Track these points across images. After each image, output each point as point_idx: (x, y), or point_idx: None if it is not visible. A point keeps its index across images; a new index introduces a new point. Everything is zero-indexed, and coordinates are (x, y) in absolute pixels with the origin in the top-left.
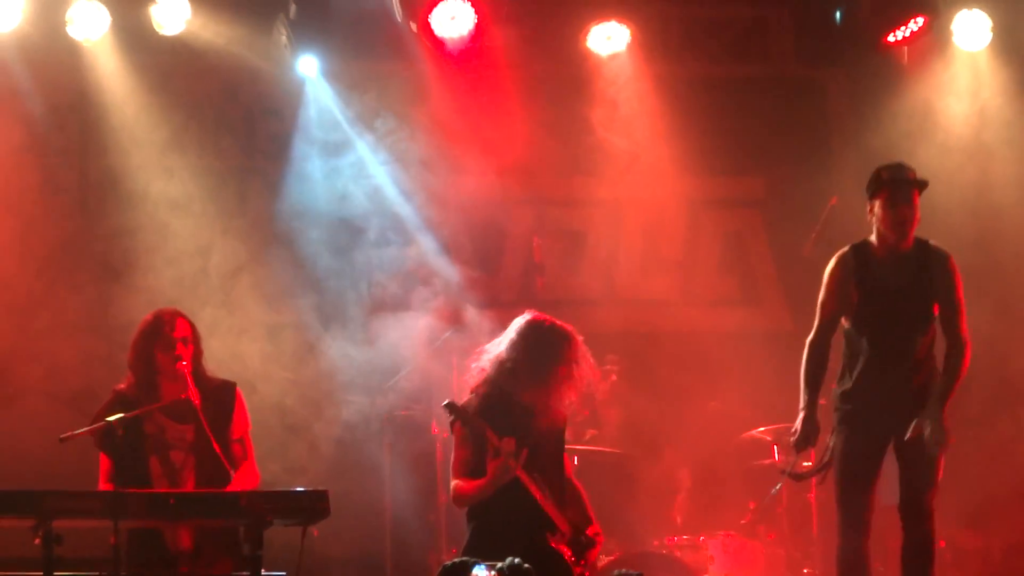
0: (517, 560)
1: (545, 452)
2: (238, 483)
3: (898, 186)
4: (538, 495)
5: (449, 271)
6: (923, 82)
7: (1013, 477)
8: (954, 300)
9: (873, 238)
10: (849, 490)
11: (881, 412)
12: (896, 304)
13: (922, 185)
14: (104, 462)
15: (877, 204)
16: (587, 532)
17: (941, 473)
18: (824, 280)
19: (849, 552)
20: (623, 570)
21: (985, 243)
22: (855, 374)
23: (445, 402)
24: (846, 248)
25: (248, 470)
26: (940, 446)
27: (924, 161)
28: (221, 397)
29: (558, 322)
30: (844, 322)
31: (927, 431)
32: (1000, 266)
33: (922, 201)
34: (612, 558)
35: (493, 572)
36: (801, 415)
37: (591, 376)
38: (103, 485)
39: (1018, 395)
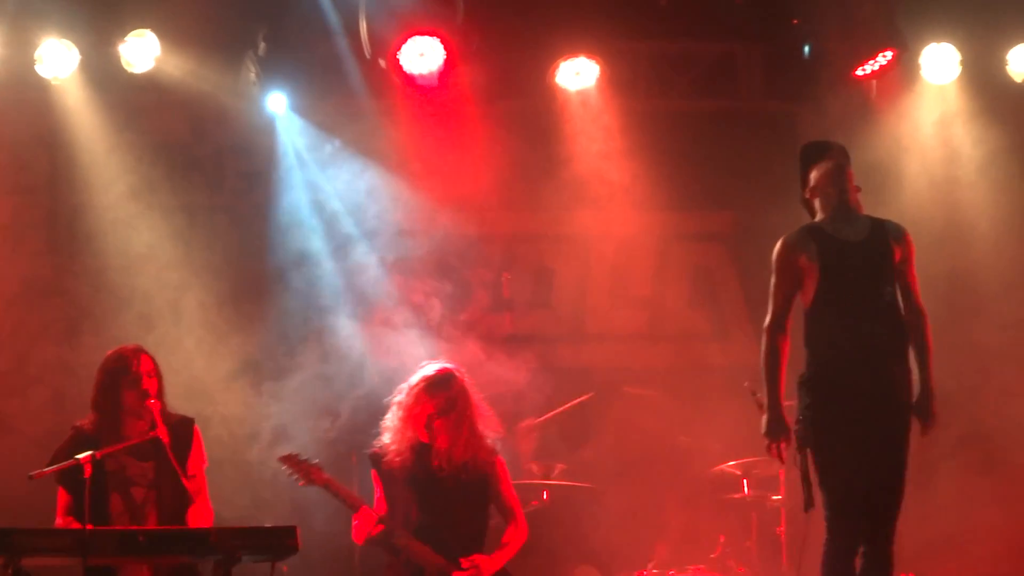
0: None
1: (443, 493)
2: (193, 519)
3: (828, 148)
4: (400, 542)
5: (417, 307)
6: (892, 115)
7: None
8: (911, 267)
9: (819, 215)
10: (844, 482)
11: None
12: (857, 257)
13: (846, 154)
14: (62, 497)
15: (814, 173)
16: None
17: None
18: (773, 265)
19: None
20: None
21: (955, 276)
22: (820, 358)
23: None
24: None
25: (203, 506)
26: (930, 427)
27: (894, 194)
28: (180, 433)
29: (435, 367)
30: (805, 302)
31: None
32: (970, 300)
33: None
34: None
35: None
36: (766, 416)
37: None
38: (60, 519)
39: (986, 433)
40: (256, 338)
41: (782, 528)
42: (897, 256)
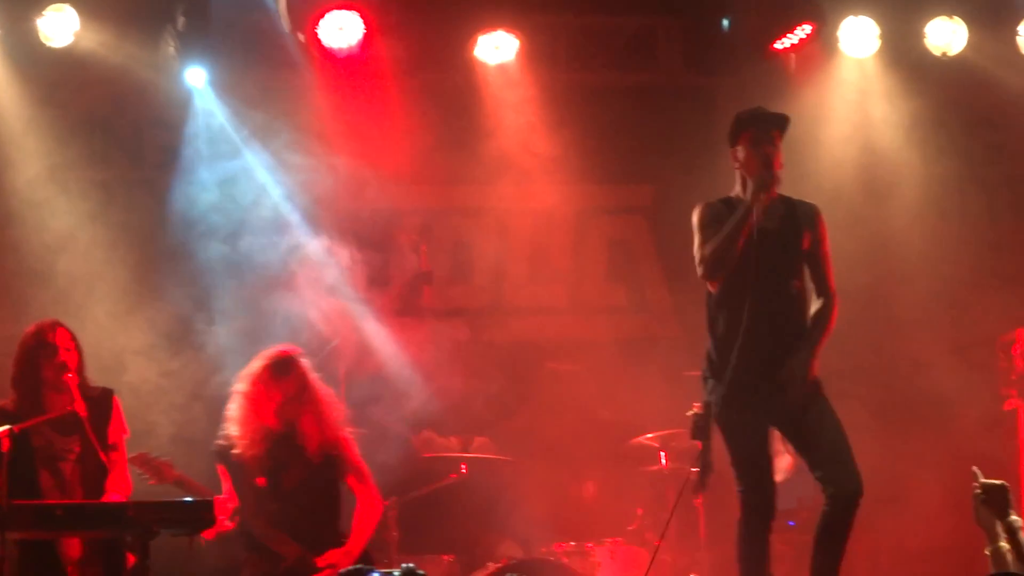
0: (412, 565)
1: (296, 479)
2: (111, 489)
3: (759, 124)
4: (257, 531)
5: (336, 281)
6: (810, 89)
7: (891, 482)
8: (823, 250)
9: (738, 188)
10: (751, 467)
11: (765, 375)
12: (767, 246)
13: (783, 123)
14: None
15: (740, 148)
16: (316, 559)
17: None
18: (696, 224)
19: (751, 535)
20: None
21: (872, 249)
22: (726, 341)
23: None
24: (710, 199)
25: (120, 476)
26: (802, 385)
27: (812, 167)
28: (99, 405)
29: (273, 352)
30: (711, 286)
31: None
32: (887, 270)
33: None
34: (500, 565)
35: None
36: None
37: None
38: None
39: (901, 402)
40: (174, 309)
41: (700, 500)
42: (807, 244)
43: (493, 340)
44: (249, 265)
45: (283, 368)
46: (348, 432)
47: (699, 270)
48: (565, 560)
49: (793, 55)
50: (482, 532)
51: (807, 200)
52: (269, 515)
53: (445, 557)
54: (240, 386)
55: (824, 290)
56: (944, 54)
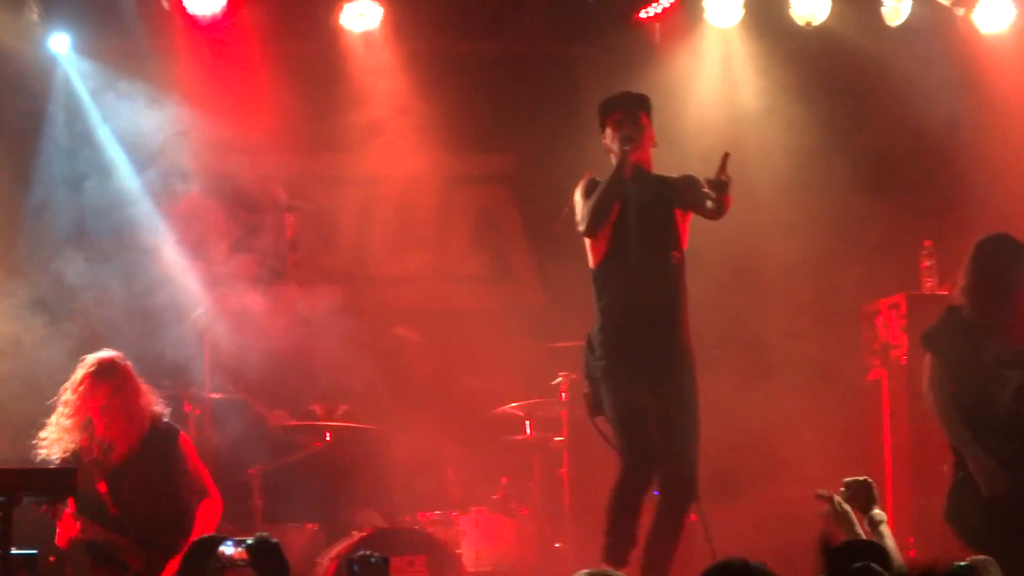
0: (265, 534)
1: (132, 483)
2: None
3: (621, 104)
4: (100, 538)
5: (200, 249)
6: (675, 58)
7: (760, 452)
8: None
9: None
10: (630, 436)
11: (641, 343)
12: (644, 219)
13: (645, 103)
14: None
15: (608, 132)
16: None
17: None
18: (577, 197)
19: (626, 504)
20: (365, 552)
21: (738, 215)
22: (607, 312)
23: None
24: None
25: None
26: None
27: (677, 137)
28: None
29: (96, 359)
30: (592, 261)
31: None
32: (752, 240)
33: (678, 174)
34: (364, 534)
35: (241, 547)
36: None
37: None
38: None
39: (768, 372)
40: (39, 280)
41: (564, 470)
42: (679, 205)
43: (358, 308)
44: (109, 233)
45: (106, 374)
46: (183, 432)
47: (580, 228)
48: (430, 529)
49: (658, 24)
50: (346, 501)
51: (681, 174)
52: (112, 522)
53: (309, 526)
54: (65, 395)
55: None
56: (808, 24)
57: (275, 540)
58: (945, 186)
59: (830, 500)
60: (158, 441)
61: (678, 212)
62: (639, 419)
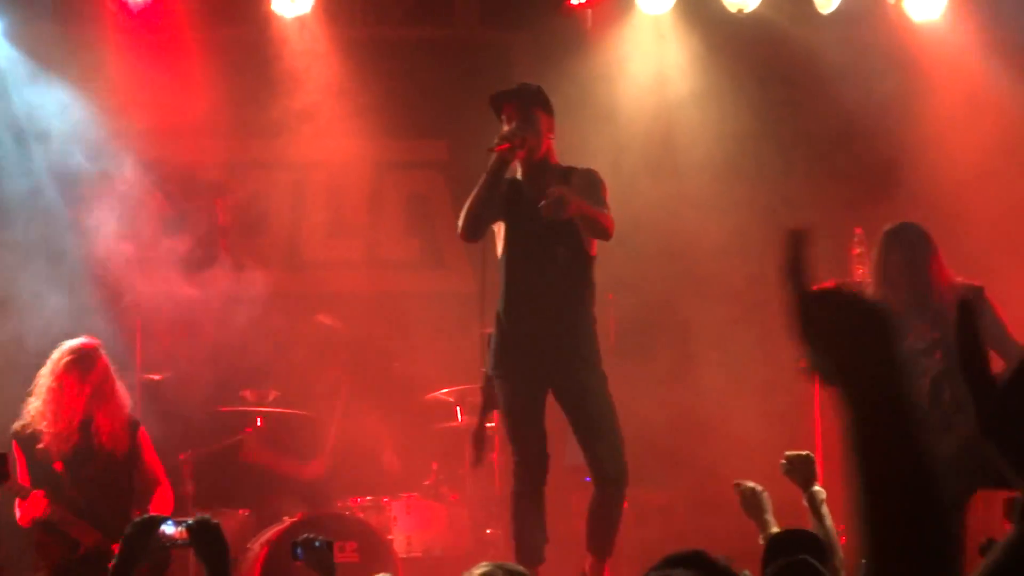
0: (207, 516)
1: (95, 469)
2: None
3: (501, 100)
4: (56, 517)
5: (131, 235)
6: (607, 46)
7: (693, 438)
8: (598, 198)
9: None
10: (517, 434)
11: (531, 344)
12: (537, 216)
13: (536, 97)
14: None
15: (504, 124)
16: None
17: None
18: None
19: (521, 502)
20: (310, 536)
21: (667, 205)
22: (501, 308)
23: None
24: None
25: None
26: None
27: (608, 124)
28: None
29: (78, 345)
30: (499, 252)
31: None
32: (682, 227)
33: (609, 164)
34: (295, 519)
35: (181, 527)
36: None
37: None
38: None
39: (700, 358)
40: None
41: (496, 455)
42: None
43: (290, 293)
44: (37, 217)
45: (87, 361)
46: (142, 426)
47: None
48: (360, 515)
49: (589, 10)
50: (277, 486)
51: (586, 167)
52: (67, 501)
53: (240, 511)
54: (44, 377)
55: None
56: (740, 11)
57: (216, 521)
58: (877, 173)
59: (742, 491)
60: (126, 431)
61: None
62: (520, 415)
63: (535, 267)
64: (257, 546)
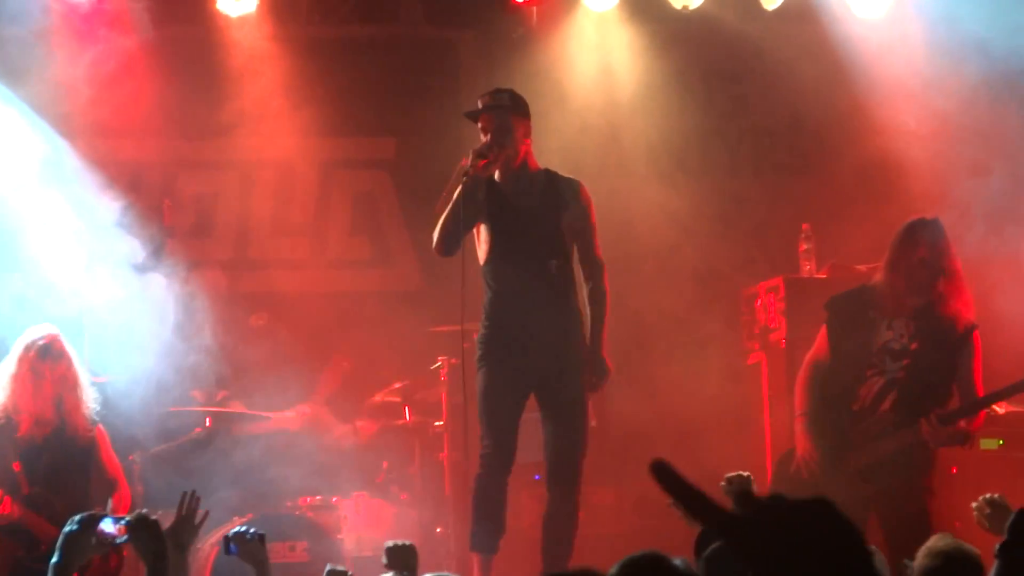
0: (145, 511)
1: (52, 463)
2: None
3: (483, 110)
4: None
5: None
6: (553, 43)
7: (640, 437)
8: (588, 224)
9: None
10: (493, 423)
11: (520, 346)
12: (524, 224)
13: (501, 106)
14: None
15: (481, 134)
16: None
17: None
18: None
19: (486, 484)
20: (241, 529)
21: (615, 202)
22: (489, 310)
23: None
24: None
25: None
26: (601, 379)
27: (556, 120)
28: None
29: (42, 335)
30: (481, 257)
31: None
32: (630, 224)
33: (555, 161)
34: (244, 519)
35: (121, 524)
36: None
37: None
38: None
39: (647, 356)
40: None
41: (445, 454)
42: (565, 220)
43: (236, 293)
44: None
45: (51, 351)
46: (100, 425)
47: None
48: (310, 514)
49: (535, 8)
50: (226, 486)
51: (571, 176)
52: (24, 498)
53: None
54: (7, 368)
55: (592, 260)
56: (685, 7)
57: (154, 518)
58: (823, 169)
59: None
60: (83, 427)
61: (564, 215)
62: (498, 412)
63: (526, 276)
64: (207, 546)
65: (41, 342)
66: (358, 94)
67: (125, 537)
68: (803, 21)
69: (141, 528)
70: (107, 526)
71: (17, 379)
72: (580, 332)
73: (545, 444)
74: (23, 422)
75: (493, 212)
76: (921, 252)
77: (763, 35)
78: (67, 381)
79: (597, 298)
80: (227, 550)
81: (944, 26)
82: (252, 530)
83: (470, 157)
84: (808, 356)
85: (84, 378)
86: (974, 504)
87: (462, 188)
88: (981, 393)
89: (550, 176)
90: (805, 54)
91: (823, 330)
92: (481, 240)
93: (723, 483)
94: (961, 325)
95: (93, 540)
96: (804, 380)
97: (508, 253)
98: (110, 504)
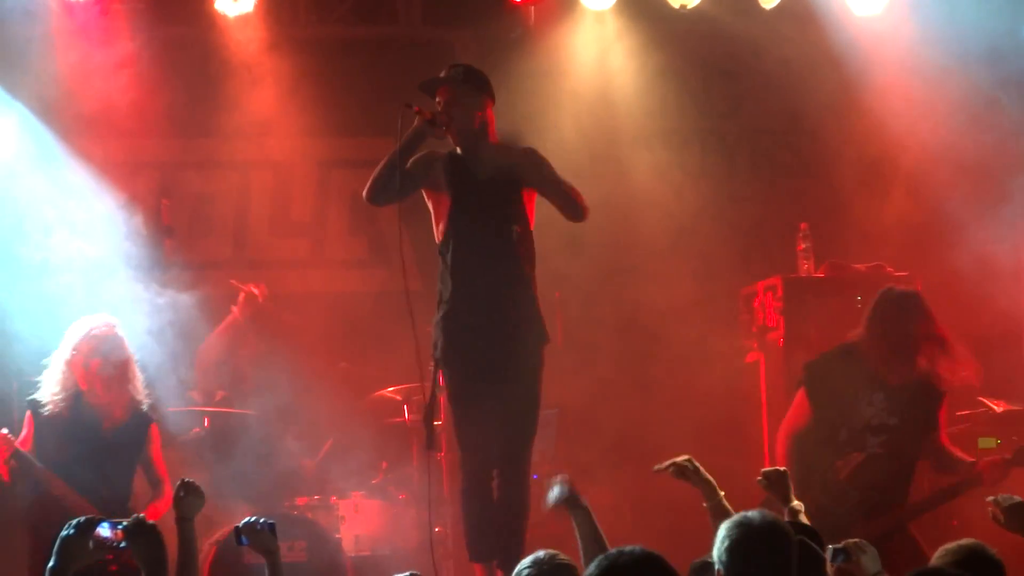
0: (142, 515)
1: (101, 450)
2: None
3: (437, 83)
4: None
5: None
6: (550, 42)
7: (640, 436)
8: (549, 175)
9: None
10: (466, 416)
11: (476, 332)
12: (487, 194)
13: (453, 79)
14: None
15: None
16: None
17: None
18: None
19: (472, 481)
20: (251, 520)
21: (613, 201)
22: (446, 290)
23: None
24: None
25: None
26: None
27: (553, 119)
28: None
29: (101, 324)
30: (436, 236)
31: None
32: (628, 223)
33: (552, 160)
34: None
35: (118, 528)
36: None
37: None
38: None
39: (647, 355)
40: None
41: (443, 454)
42: (524, 183)
43: (235, 293)
44: None
45: (108, 341)
46: (155, 423)
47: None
48: (309, 514)
49: (532, 7)
50: (225, 486)
51: (523, 146)
52: (68, 476)
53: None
54: (65, 352)
55: (565, 192)
56: (683, 6)
57: (151, 522)
58: (820, 168)
59: (766, 474)
60: (137, 421)
61: (521, 181)
62: (474, 406)
63: (485, 246)
64: (206, 546)
65: (98, 332)
66: (356, 94)
67: (123, 542)
68: (801, 20)
69: (139, 533)
70: (104, 531)
71: (71, 366)
72: (537, 309)
73: (496, 427)
74: (73, 402)
75: (453, 183)
76: (913, 325)
77: (761, 34)
78: (123, 373)
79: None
80: (238, 540)
81: (942, 24)
82: (263, 520)
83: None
84: (786, 425)
85: (137, 372)
86: (989, 498)
87: (402, 139)
88: (945, 441)
89: (503, 148)
90: (803, 53)
91: (802, 394)
92: (438, 215)
93: (760, 479)
94: (929, 393)
95: (90, 545)
96: (787, 450)
97: (468, 224)
98: (150, 507)
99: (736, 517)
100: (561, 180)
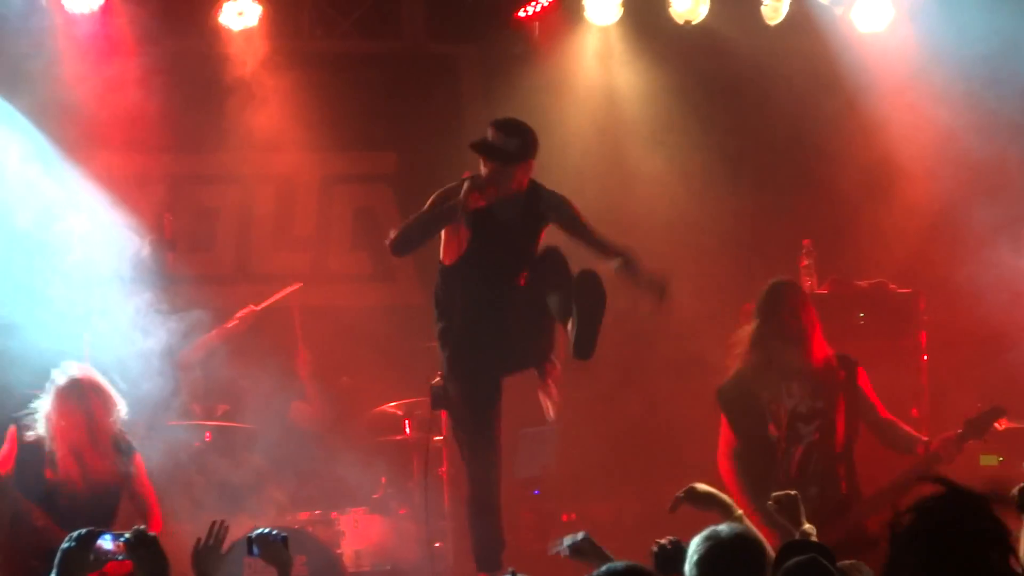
0: (143, 527)
1: (78, 482)
2: None
3: (488, 151)
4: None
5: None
6: (555, 57)
7: (642, 451)
8: (583, 224)
9: None
10: (476, 430)
11: (491, 347)
12: (509, 237)
13: (504, 153)
14: None
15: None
16: None
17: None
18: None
19: (482, 488)
20: (263, 530)
21: (617, 218)
22: (461, 309)
23: None
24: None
25: None
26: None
27: (558, 135)
28: None
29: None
30: (444, 259)
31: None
32: (632, 239)
33: (556, 176)
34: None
35: (120, 541)
36: None
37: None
38: None
39: (648, 371)
40: None
41: (444, 469)
42: (551, 227)
43: (237, 307)
44: None
45: (77, 392)
46: (137, 454)
47: (387, 242)
48: (310, 529)
49: (537, 23)
50: (225, 500)
51: (554, 190)
52: (51, 508)
53: (187, 526)
54: (44, 404)
55: (600, 238)
56: (688, 22)
57: (153, 534)
58: (824, 184)
59: (778, 500)
60: (114, 464)
61: (544, 229)
62: (489, 402)
63: (497, 287)
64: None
65: (66, 382)
66: (359, 108)
67: (124, 554)
68: (805, 36)
69: (140, 545)
70: (106, 543)
71: (50, 417)
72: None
73: (550, 453)
74: (60, 437)
75: (477, 219)
76: (786, 316)
77: (765, 50)
78: (95, 422)
79: (620, 249)
80: (250, 551)
81: (945, 41)
82: (275, 532)
83: (466, 184)
84: (721, 448)
85: (115, 415)
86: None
87: (444, 210)
88: (885, 415)
89: (534, 188)
90: (807, 69)
91: (723, 419)
92: (451, 240)
93: (770, 503)
94: (840, 365)
95: (91, 557)
96: (732, 472)
97: (482, 264)
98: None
99: (705, 531)
100: (593, 229)
